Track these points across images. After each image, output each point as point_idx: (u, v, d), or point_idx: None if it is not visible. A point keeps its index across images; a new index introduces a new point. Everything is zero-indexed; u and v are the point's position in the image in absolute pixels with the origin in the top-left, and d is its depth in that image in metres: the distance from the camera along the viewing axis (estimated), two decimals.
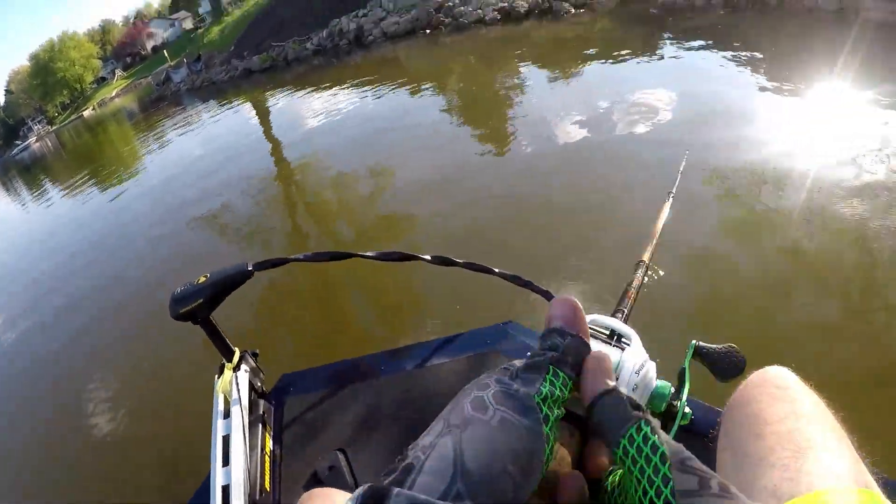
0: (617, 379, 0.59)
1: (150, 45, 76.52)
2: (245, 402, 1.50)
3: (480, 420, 0.45)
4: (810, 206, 3.75)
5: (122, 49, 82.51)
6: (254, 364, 1.64)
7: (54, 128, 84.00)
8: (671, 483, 0.42)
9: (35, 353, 6.04)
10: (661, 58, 7.87)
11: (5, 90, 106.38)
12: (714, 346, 0.81)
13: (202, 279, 1.42)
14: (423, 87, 10.23)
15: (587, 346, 0.55)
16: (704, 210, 3.96)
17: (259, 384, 1.62)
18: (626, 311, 1.18)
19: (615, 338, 0.73)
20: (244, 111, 16.05)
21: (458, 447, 0.42)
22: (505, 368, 0.52)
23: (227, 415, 1.46)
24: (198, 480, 1.66)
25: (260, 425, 1.52)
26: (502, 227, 4.60)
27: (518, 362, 0.54)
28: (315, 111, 11.52)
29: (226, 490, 1.30)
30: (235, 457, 1.37)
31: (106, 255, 8.47)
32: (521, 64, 9.47)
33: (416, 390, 1.48)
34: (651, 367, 0.69)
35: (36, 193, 23.89)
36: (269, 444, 1.53)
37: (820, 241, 3.46)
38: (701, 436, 1.02)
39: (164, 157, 14.83)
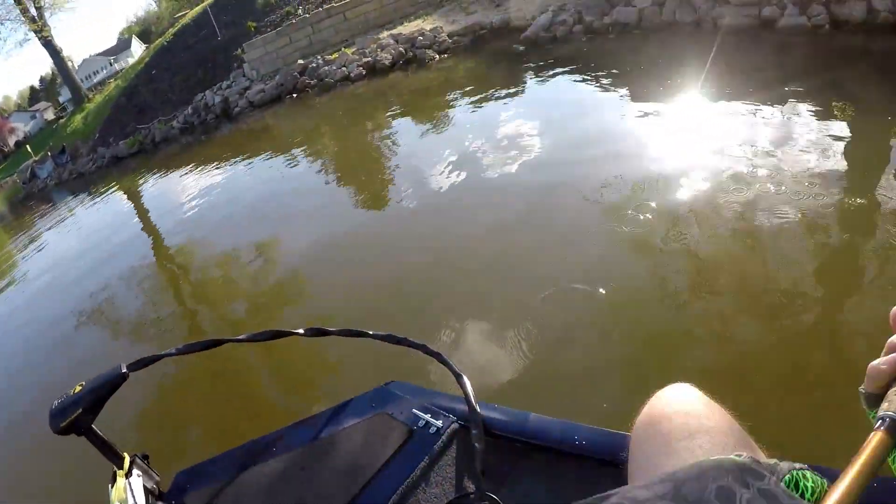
0: None
1: (12, 140, 72.79)
2: None
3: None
4: (681, 210, 3.88)
5: None
6: (146, 467, 1.57)
7: None
8: None
9: None
10: (525, 91, 8.04)
11: None
12: None
13: (77, 388, 1.38)
14: (295, 153, 10.21)
15: None
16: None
17: (155, 487, 1.56)
18: None
19: None
20: (118, 201, 15.56)
21: None
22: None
23: None
24: None
25: None
26: (383, 288, 4.61)
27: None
28: (190, 192, 11.22)
29: None
30: None
31: None
32: (391, 115, 9.57)
33: (312, 466, 1.45)
34: None
35: None
36: None
37: (703, 244, 3.63)
38: (610, 464, 1.09)
39: (41, 260, 14.02)
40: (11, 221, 28.33)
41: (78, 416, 1.36)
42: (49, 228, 17.35)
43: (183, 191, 11.72)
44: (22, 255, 16.12)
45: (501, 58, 10.98)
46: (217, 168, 11.86)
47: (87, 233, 13.58)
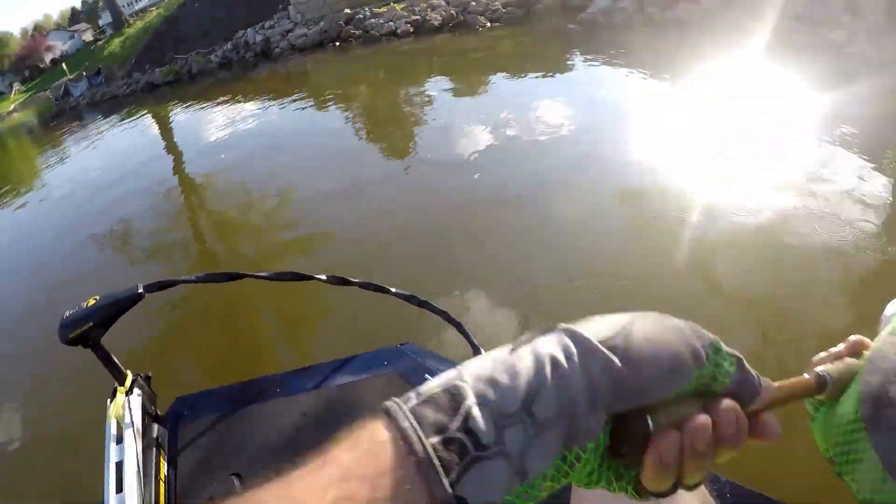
0: None
1: (48, 57, 73.53)
2: (138, 426, 1.45)
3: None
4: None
5: (21, 62, 79.25)
6: (147, 387, 1.60)
7: None
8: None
9: None
10: (570, 73, 7.78)
11: None
12: None
13: (91, 301, 1.39)
14: (329, 101, 10.09)
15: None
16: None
17: (153, 408, 1.58)
18: None
19: None
20: (146, 125, 15.65)
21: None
22: None
23: (119, 440, 1.41)
24: None
25: (154, 450, 1.47)
26: (401, 239, 4.58)
27: None
28: (219, 125, 11.23)
29: None
30: (129, 483, 1.31)
31: None
32: (431, 77, 9.30)
33: (313, 413, 1.45)
34: None
35: None
36: (164, 468, 1.48)
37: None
38: None
39: (65, 173, 14.21)
40: (41, 135, 28.65)
41: (88, 329, 1.38)
42: (76, 145, 17.56)
43: (212, 124, 11.71)
44: (47, 168, 16.32)
45: (553, 35, 10.68)
46: (250, 106, 11.79)
47: (113, 153, 13.70)
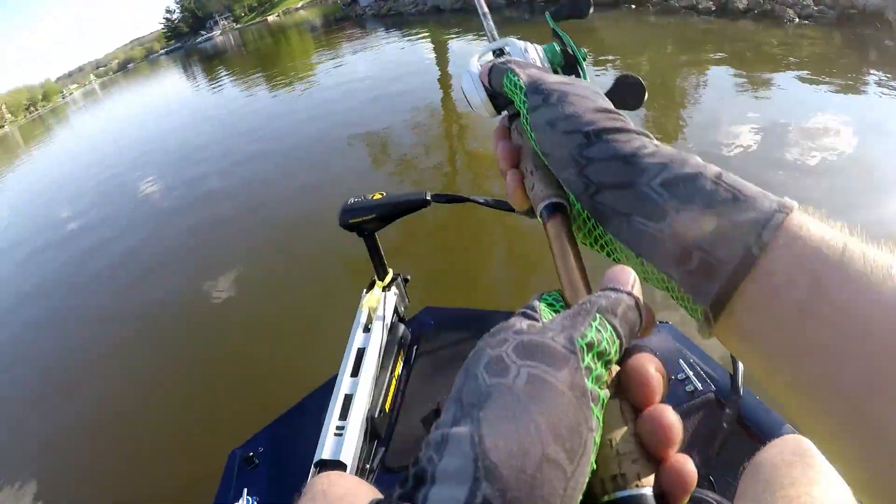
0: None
1: None
2: (388, 321, 1.56)
3: (500, 387, 0.31)
4: None
5: None
6: (403, 289, 1.71)
7: (238, 26, 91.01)
8: (525, 104, 0.50)
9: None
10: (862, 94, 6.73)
11: None
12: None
13: (377, 196, 1.48)
14: (606, 62, 9.89)
15: (640, 310, 0.40)
16: None
17: (402, 310, 1.69)
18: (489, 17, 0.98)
19: (499, 53, 0.71)
20: (422, 48, 16.34)
21: (475, 435, 0.28)
22: (524, 314, 0.38)
23: (367, 329, 1.52)
24: (309, 377, 1.78)
25: (395, 347, 1.57)
26: None
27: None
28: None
29: (348, 399, 1.35)
30: (366, 371, 1.41)
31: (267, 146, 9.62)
32: (717, 61, 8.75)
33: None
34: (533, 46, 0.70)
35: (212, 80, 25.61)
36: (400, 368, 1.58)
37: None
38: (757, 438, 1.12)
39: (336, 74, 15.62)
40: (321, 34, 31.24)
41: (368, 220, 1.46)
42: (353, 52, 18.98)
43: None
44: (322, 67, 17.79)
45: (866, 45, 9.41)
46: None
47: (383, 66, 14.78)
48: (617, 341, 0.37)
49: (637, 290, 0.44)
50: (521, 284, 4.12)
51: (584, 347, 0.34)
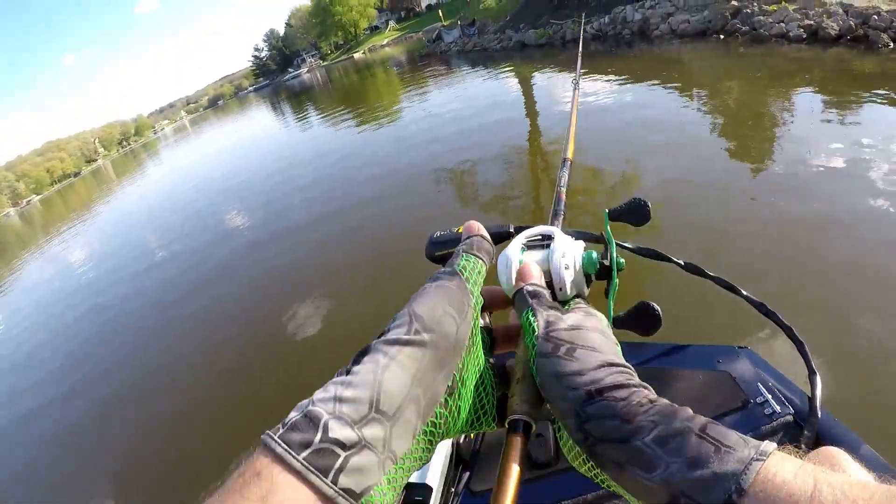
0: (550, 268, 0.70)
1: (424, 2, 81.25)
2: None
3: (424, 288, 0.61)
4: None
5: (398, 2, 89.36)
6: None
7: (325, 63, 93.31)
8: (535, 348, 0.56)
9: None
10: None
11: (286, 23, 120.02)
12: (621, 204, 0.90)
13: (461, 229, 1.36)
14: (696, 94, 10.00)
15: (487, 240, 0.73)
16: None
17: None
18: (561, 211, 1.16)
19: (544, 239, 0.78)
20: (509, 83, 16.67)
21: (410, 305, 0.57)
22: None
23: None
24: None
25: None
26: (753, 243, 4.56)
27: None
28: (580, 97, 11.43)
29: None
30: None
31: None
32: (807, 90, 8.72)
33: (660, 385, 1.44)
34: (575, 247, 0.75)
35: (299, 115, 26.73)
36: None
37: None
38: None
39: (422, 109, 16.27)
40: (406, 71, 32.10)
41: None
42: (438, 88, 19.61)
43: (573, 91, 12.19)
44: (408, 102, 18.54)
45: None
46: (616, 84, 12.16)
47: (468, 102, 15.14)
48: (480, 262, 0.68)
49: (482, 230, 0.75)
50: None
51: (461, 270, 0.64)
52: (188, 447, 4.58)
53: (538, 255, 0.74)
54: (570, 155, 1.50)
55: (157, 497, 4.16)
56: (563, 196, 1.23)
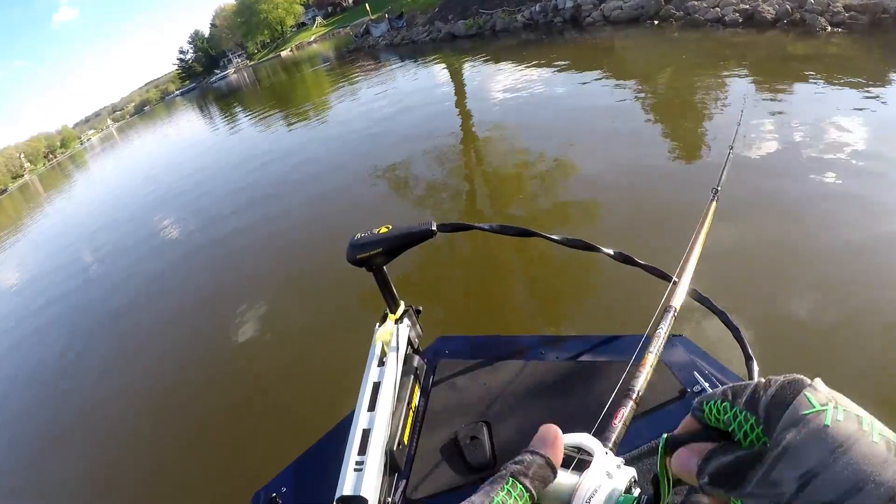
0: None
1: None
2: (402, 353, 1.56)
3: None
4: None
5: None
6: (415, 320, 1.72)
7: (252, 63, 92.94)
8: None
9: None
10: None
11: (210, 24, 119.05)
12: (690, 434, 0.65)
13: (383, 230, 1.50)
14: (628, 80, 9.82)
15: (552, 466, 0.62)
16: None
17: (416, 341, 1.69)
18: (636, 392, 1.03)
19: (580, 453, 0.68)
20: (438, 76, 16.52)
21: None
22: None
23: (381, 363, 1.53)
24: (329, 413, 1.85)
25: (411, 379, 1.58)
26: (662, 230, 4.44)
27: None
28: (512, 87, 11.50)
29: (366, 434, 1.36)
30: (382, 404, 1.42)
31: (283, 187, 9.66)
32: (740, 74, 8.53)
33: (570, 381, 1.49)
34: (612, 485, 0.63)
35: (227, 118, 26.08)
36: (416, 399, 1.60)
37: None
38: None
39: (351, 107, 15.83)
40: (335, 67, 31.78)
41: (375, 255, 1.49)
42: (367, 84, 19.13)
43: (504, 83, 12.05)
44: (338, 99, 17.99)
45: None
46: (548, 73, 11.94)
47: (399, 97, 14.76)
48: (526, 494, 0.59)
49: (557, 447, 0.63)
50: (549, 309, 4.22)
51: None
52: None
53: (564, 476, 0.65)
54: (675, 303, 1.38)
55: None
56: (637, 391, 1.08)
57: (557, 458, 0.63)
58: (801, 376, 0.48)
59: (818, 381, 0.47)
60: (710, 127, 6.64)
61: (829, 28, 11.11)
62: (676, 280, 1.43)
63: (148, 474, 3.97)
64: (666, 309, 1.34)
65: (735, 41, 11.62)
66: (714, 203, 1.86)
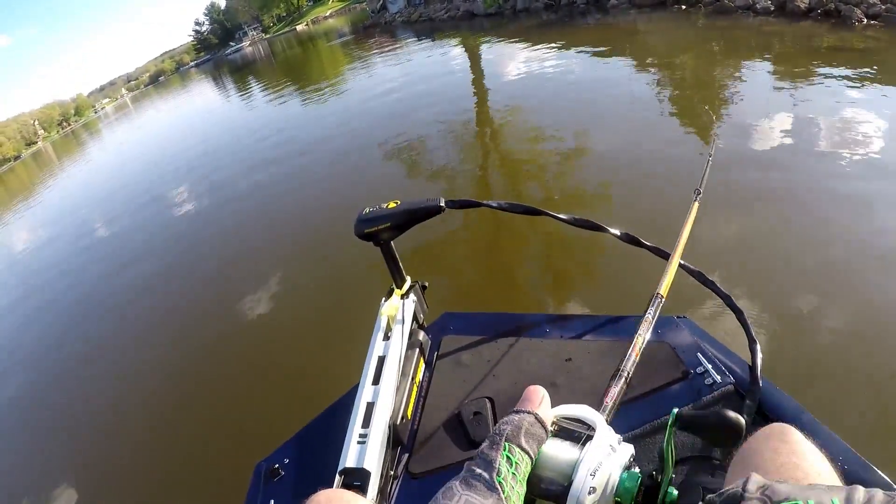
0: (571, 482, 0.59)
1: None
2: (407, 329, 1.63)
3: (451, 490, 0.54)
4: None
5: None
6: (421, 295, 1.78)
7: (267, 36, 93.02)
8: None
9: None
10: None
11: None
12: (700, 412, 0.79)
13: (392, 205, 1.55)
14: (647, 65, 9.71)
15: (542, 424, 0.63)
16: None
17: (421, 316, 1.76)
18: (617, 388, 0.98)
19: (582, 426, 0.67)
20: (455, 55, 16.36)
21: None
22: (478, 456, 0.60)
23: (386, 337, 1.58)
24: (332, 387, 1.82)
25: (416, 354, 1.64)
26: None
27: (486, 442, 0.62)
28: (530, 69, 11.33)
29: (370, 407, 1.41)
30: (387, 378, 1.47)
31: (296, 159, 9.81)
32: (765, 64, 8.30)
33: (579, 362, 1.52)
34: (614, 460, 0.62)
35: (242, 91, 26.00)
36: (421, 374, 1.65)
37: None
38: None
39: (366, 83, 15.81)
40: (350, 42, 31.68)
41: (384, 229, 1.54)
42: (383, 61, 19.08)
43: (523, 65, 11.84)
44: (352, 75, 17.89)
45: None
46: (568, 56, 11.79)
47: (415, 75, 14.65)
48: (526, 455, 0.59)
49: (544, 405, 0.65)
50: (556, 287, 4.20)
51: (502, 482, 0.55)
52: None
53: (566, 449, 0.64)
54: (662, 291, 1.37)
55: None
56: (628, 371, 1.05)
57: (546, 417, 0.64)
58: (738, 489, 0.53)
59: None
60: (727, 120, 6.43)
61: (865, 20, 10.83)
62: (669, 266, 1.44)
63: (145, 447, 3.96)
64: (654, 295, 1.35)
65: (766, 30, 11.29)
66: (696, 203, 1.85)
